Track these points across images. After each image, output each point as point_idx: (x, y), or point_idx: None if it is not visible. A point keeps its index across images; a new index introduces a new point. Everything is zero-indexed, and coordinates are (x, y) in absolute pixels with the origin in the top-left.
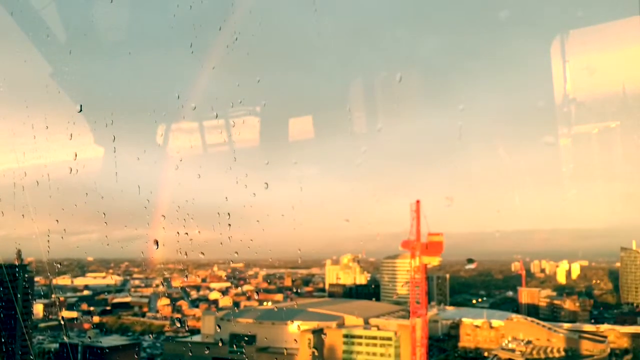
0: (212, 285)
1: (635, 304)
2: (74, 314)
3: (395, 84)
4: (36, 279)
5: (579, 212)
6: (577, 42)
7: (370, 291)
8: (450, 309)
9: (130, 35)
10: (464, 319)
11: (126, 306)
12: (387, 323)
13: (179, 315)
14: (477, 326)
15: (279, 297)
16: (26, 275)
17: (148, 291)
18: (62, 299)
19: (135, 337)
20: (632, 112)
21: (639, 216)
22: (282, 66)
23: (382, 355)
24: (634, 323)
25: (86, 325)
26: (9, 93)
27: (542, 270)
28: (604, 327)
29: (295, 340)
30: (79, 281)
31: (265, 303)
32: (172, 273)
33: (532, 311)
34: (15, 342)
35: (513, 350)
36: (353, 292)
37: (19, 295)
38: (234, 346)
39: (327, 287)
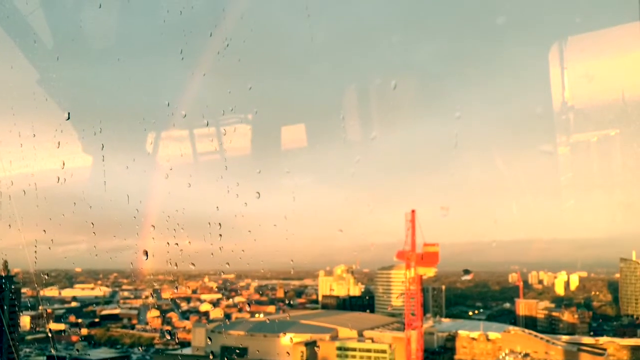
0: (203, 296)
1: (635, 316)
2: (61, 326)
3: (390, 91)
4: (23, 290)
5: (577, 222)
6: (576, 49)
7: (364, 303)
8: (446, 321)
9: (119, 41)
10: (460, 331)
11: (115, 318)
12: (382, 335)
13: (169, 328)
14: (473, 338)
15: (271, 308)
16: (13, 287)
17: (137, 303)
18: (49, 310)
19: (125, 349)
20: (631, 120)
21: (639, 226)
22: (274, 73)
23: None
24: (633, 335)
25: (74, 338)
26: None
27: (540, 282)
28: (603, 340)
29: (287, 352)
30: (67, 292)
31: (257, 315)
32: (162, 284)
33: (530, 323)
34: (2, 355)
35: None
36: (347, 304)
37: (5, 307)
38: (225, 359)
39: (320, 298)
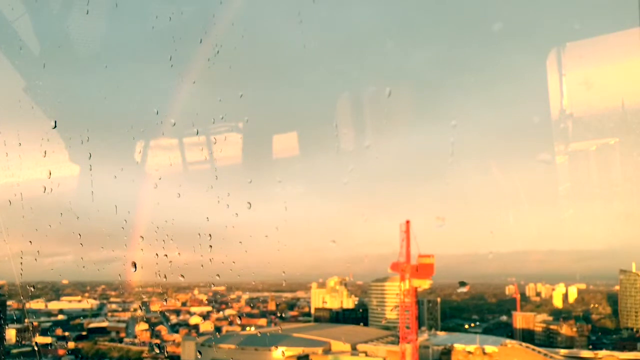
0: (193, 309)
1: (635, 329)
2: (48, 340)
3: (384, 98)
4: (8, 302)
5: (576, 232)
6: (574, 55)
7: (357, 316)
8: (441, 334)
9: (107, 48)
10: (456, 345)
11: (103, 331)
12: (376, 349)
13: (157, 341)
14: (469, 352)
15: (263, 321)
16: None
17: (126, 316)
18: (35, 323)
19: None
20: (631, 128)
21: (639, 237)
22: (266, 80)
23: None
24: (633, 349)
25: (61, 352)
26: None
27: (538, 294)
28: (602, 353)
29: None
30: (54, 305)
31: (248, 328)
32: (150, 297)
33: (527, 336)
34: None
35: None
36: (340, 317)
37: None
38: None
39: (312, 311)
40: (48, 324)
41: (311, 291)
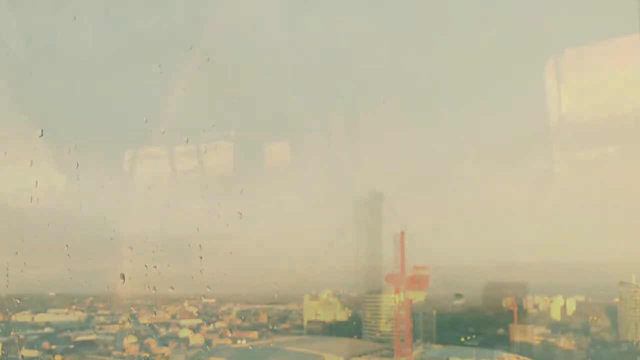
0: (183, 322)
1: (634, 342)
2: (34, 353)
3: (379, 106)
4: None
5: (575, 244)
6: (573, 61)
7: (351, 328)
8: (437, 347)
9: (95, 55)
10: (451, 358)
11: (91, 344)
12: None
13: (147, 354)
14: None
15: (254, 334)
16: None
17: (114, 328)
18: (21, 336)
19: None
20: (631, 137)
21: (639, 249)
22: (258, 87)
23: None
24: None
25: None
26: None
27: (536, 306)
28: None
29: None
30: (40, 317)
31: (239, 341)
32: (139, 309)
33: (525, 349)
34: None
35: None
36: (333, 329)
37: None
38: None
39: (305, 324)
40: (34, 337)
41: (304, 303)
